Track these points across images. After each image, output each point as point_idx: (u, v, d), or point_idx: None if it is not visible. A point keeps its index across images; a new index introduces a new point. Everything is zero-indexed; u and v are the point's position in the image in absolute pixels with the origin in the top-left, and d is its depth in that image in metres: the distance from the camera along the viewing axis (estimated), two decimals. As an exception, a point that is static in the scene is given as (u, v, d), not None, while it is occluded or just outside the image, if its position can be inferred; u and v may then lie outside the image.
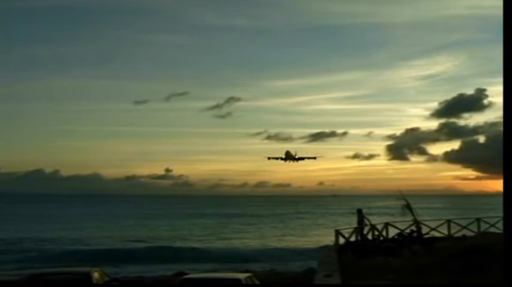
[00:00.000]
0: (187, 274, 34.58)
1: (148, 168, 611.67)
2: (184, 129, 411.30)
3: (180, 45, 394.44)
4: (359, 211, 40.37)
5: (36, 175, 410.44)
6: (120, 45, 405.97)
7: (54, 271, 27.27)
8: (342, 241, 35.95)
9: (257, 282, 24.50)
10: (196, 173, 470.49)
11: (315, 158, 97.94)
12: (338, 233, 35.57)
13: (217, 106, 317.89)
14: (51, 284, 23.56)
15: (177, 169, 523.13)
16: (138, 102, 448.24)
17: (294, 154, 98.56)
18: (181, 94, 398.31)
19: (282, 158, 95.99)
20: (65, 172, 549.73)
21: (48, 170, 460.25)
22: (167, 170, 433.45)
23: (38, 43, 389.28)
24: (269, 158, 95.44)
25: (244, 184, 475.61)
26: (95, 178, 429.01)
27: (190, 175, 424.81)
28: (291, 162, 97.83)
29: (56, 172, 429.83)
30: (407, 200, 40.86)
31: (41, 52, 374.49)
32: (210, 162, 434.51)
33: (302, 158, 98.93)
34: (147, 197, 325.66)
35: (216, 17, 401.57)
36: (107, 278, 25.46)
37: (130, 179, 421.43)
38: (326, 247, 34.13)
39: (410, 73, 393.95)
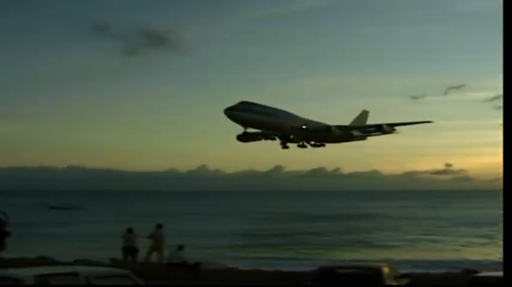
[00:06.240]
0: (477, 272, 33.08)
1: (427, 163, 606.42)
2: (463, 123, 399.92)
3: (454, 37, 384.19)
4: None
5: (319, 173, 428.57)
6: (394, 42, 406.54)
7: (344, 264, 27.34)
8: None
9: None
10: (477, 168, 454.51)
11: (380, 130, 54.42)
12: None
13: (496, 97, 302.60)
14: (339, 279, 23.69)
15: (457, 163, 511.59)
16: (415, 97, 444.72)
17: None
18: (459, 87, 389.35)
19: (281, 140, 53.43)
20: (345, 170, 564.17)
21: (329, 168, 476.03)
22: (447, 164, 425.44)
23: (292, 44, 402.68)
24: (239, 138, 50.52)
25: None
26: (374, 175, 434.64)
27: (470, 170, 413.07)
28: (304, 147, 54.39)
29: (337, 169, 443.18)
30: None
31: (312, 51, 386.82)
32: (491, 155, 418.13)
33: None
34: (427, 193, 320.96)
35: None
36: (395, 274, 25.04)
37: (409, 175, 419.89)
38: None
39: None
